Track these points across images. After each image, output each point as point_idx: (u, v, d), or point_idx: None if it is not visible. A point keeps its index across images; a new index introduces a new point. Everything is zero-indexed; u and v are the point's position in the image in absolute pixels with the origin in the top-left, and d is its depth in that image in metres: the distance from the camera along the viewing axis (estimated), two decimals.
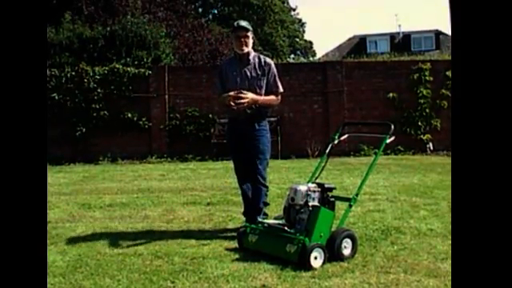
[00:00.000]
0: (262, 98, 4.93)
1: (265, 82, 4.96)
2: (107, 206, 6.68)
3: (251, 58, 4.98)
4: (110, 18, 16.46)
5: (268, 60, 5.05)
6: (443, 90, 13.62)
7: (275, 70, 5.04)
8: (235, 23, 5.00)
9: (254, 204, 4.97)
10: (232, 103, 4.78)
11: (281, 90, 5.08)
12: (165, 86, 13.84)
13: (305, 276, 3.72)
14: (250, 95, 4.81)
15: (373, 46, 39.54)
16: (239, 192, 5.18)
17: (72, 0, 18.09)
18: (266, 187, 5.04)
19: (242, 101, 4.77)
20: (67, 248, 4.61)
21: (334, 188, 4.39)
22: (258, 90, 4.92)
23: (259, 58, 5.02)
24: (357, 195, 4.32)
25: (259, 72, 4.95)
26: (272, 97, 5.01)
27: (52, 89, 13.42)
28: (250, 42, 4.94)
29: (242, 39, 4.89)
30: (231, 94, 4.80)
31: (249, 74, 4.93)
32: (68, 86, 13.64)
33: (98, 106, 13.63)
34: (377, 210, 6.03)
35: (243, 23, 4.95)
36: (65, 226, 5.59)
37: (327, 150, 4.72)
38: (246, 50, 4.92)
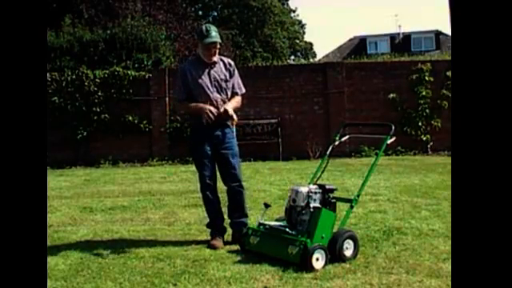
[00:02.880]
0: (235, 102, 4.90)
1: (231, 83, 4.92)
2: (108, 209, 6.68)
3: (216, 60, 4.88)
4: (110, 21, 16.46)
5: (231, 61, 5.01)
6: (443, 91, 13.62)
7: (237, 71, 5.01)
8: (203, 29, 4.79)
9: (239, 207, 4.90)
10: (212, 117, 4.65)
11: (243, 90, 5.05)
12: (165, 89, 13.82)
13: (306, 277, 3.72)
14: (230, 106, 4.76)
15: (373, 46, 39.60)
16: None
17: (72, 3, 18.11)
18: (244, 188, 4.99)
19: (231, 114, 4.71)
20: (69, 251, 4.61)
21: (336, 189, 4.38)
22: (228, 92, 4.88)
23: (222, 60, 4.95)
24: (358, 196, 4.32)
25: (226, 73, 4.89)
26: (239, 98, 4.99)
27: (52, 92, 13.42)
28: (217, 49, 4.85)
29: (213, 50, 4.78)
30: (211, 109, 4.66)
31: (217, 76, 4.83)
32: (68, 89, 13.64)
33: (98, 110, 13.63)
34: (378, 210, 6.04)
35: (214, 36, 4.73)
36: (66, 229, 5.60)
37: (328, 151, 4.71)
38: (214, 59, 4.83)
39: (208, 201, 4.91)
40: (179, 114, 13.67)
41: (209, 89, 4.79)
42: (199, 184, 4.94)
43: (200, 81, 4.80)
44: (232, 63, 4.99)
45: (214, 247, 4.60)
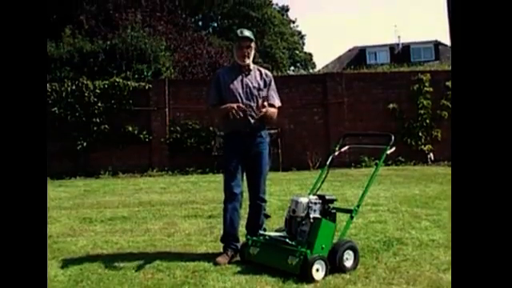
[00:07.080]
0: (273, 109, 4.80)
1: (265, 94, 4.81)
2: (108, 220, 6.66)
3: (252, 68, 4.85)
4: (110, 32, 16.51)
5: (268, 72, 4.94)
6: (443, 101, 13.64)
7: (274, 83, 4.94)
8: (238, 31, 4.83)
9: (254, 220, 4.81)
10: (239, 111, 4.57)
11: (279, 103, 4.95)
12: (165, 99, 13.86)
13: None
14: (269, 108, 4.70)
15: (372, 57, 39.66)
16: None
17: (72, 14, 18.18)
18: (266, 202, 4.93)
19: (265, 111, 4.65)
20: (68, 262, 4.59)
21: (335, 199, 4.38)
22: (260, 101, 4.74)
23: (259, 70, 4.90)
24: (358, 206, 4.32)
25: (261, 82, 4.82)
26: (275, 109, 4.87)
27: (52, 103, 13.44)
28: (252, 53, 4.79)
29: (245, 50, 4.74)
30: (238, 104, 4.61)
31: (250, 83, 4.77)
32: (68, 100, 13.66)
33: (98, 120, 13.64)
34: (378, 221, 6.02)
35: (247, 33, 4.77)
36: (66, 240, 5.58)
37: (328, 162, 4.71)
38: (247, 61, 4.77)
39: (227, 213, 4.71)
40: (179, 125, 13.72)
41: (239, 94, 4.72)
42: (223, 194, 4.77)
43: (231, 86, 4.75)
44: (269, 74, 4.93)
45: (215, 263, 4.42)
